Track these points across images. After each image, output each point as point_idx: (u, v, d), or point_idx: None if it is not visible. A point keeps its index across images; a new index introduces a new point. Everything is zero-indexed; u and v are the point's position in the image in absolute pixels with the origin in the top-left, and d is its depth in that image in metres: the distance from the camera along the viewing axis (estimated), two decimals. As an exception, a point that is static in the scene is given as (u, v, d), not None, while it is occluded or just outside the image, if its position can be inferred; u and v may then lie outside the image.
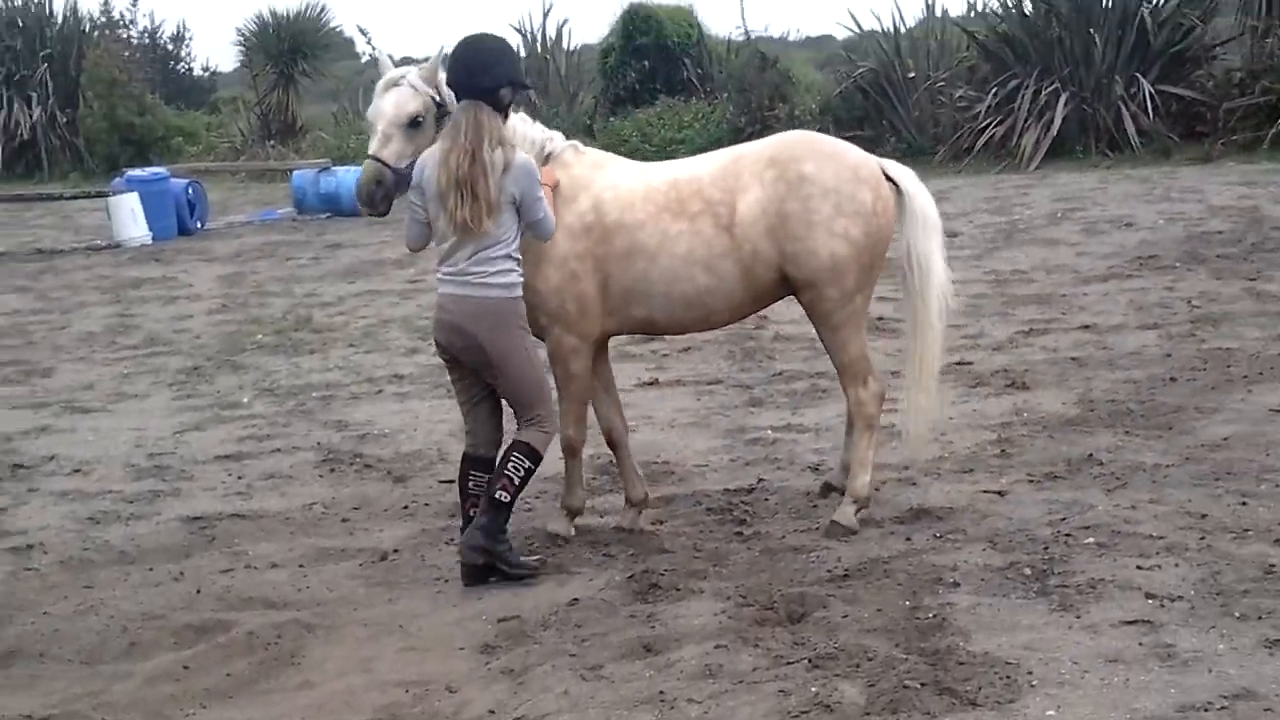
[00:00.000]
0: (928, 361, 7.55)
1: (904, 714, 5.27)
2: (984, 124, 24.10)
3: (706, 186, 7.31)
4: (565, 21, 40.42)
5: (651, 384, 10.99)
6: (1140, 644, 5.71)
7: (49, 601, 7.19)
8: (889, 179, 7.45)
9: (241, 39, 36.15)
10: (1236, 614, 5.94)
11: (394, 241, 20.41)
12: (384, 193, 7.06)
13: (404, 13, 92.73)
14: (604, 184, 7.36)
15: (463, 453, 7.30)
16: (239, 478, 9.08)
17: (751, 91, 27.37)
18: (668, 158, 27.12)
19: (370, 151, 7.11)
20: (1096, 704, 5.24)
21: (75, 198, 25.13)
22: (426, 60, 7.26)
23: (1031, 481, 7.99)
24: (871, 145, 26.09)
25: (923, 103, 25.53)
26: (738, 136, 27.62)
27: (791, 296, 7.56)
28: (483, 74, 6.90)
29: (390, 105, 7.11)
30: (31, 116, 34.57)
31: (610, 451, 7.90)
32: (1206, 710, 5.14)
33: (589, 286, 7.29)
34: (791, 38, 45.71)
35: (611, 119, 29.10)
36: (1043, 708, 5.24)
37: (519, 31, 30.44)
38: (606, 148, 27.10)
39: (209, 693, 6.10)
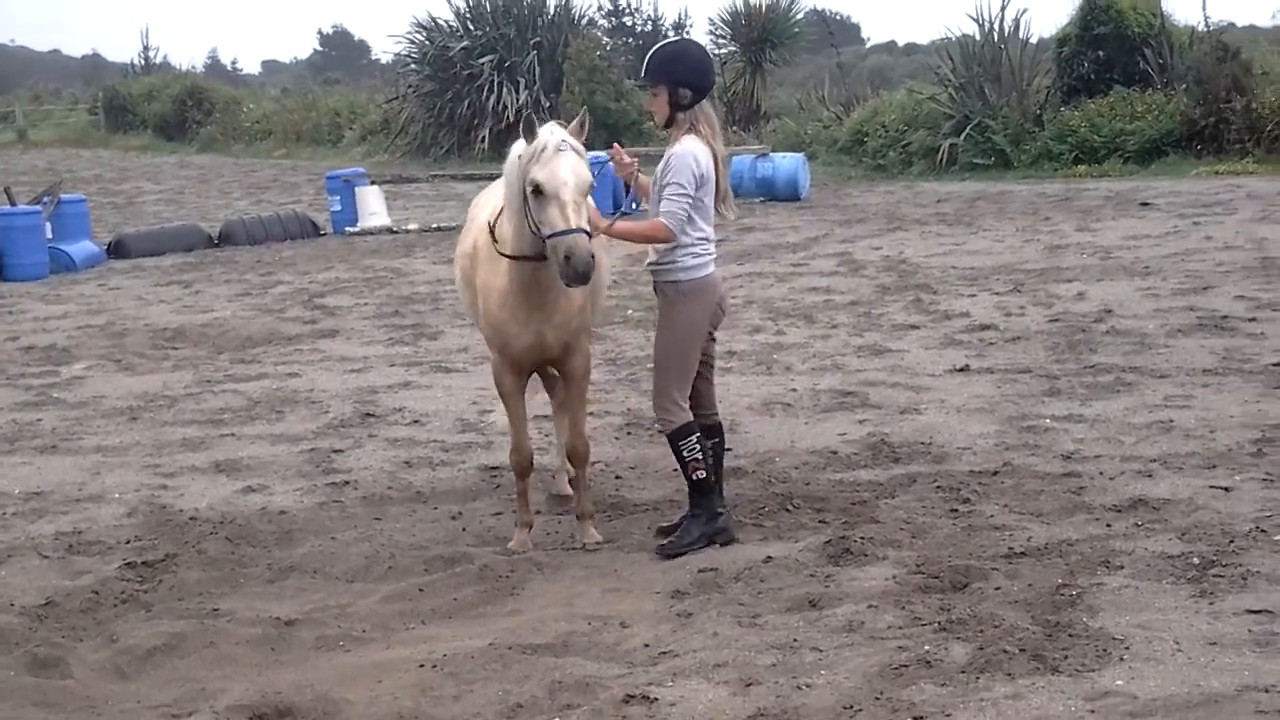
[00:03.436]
0: None
1: (989, 674, 5.71)
2: None
3: None
4: (1024, 12, 40.07)
5: (962, 370, 11.38)
6: (1250, 631, 5.94)
7: (340, 529, 8.33)
8: None
9: (713, 27, 37.79)
10: (1367, 616, 6.06)
11: (806, 226, 21.24)
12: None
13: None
14: None
15: (692, 423, 7.72)
16: (545, 435, 10.04)
17: (1208, 84, 26.79)
18: (1115, 150, 27.02)
19: (573, 225, 6.99)
20: (1165, 679, 5.55)
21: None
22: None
23: (1266, 480, 8.06)
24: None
25: None
26: (1191, 129, 27.08)
27: None
28: (709, 74, 7.75)
29: (571, 174, 7.06)
30: (518, 100, 37.13)
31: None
32: (1266, 691, 5.37)
33: None
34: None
35: (1062, 109, 28.92)
36: (1114, 678, 5.58)
37: (975, 21, 30.45)
38: (1055, 138, 27.34)
39: (433, 612, 7.07)
